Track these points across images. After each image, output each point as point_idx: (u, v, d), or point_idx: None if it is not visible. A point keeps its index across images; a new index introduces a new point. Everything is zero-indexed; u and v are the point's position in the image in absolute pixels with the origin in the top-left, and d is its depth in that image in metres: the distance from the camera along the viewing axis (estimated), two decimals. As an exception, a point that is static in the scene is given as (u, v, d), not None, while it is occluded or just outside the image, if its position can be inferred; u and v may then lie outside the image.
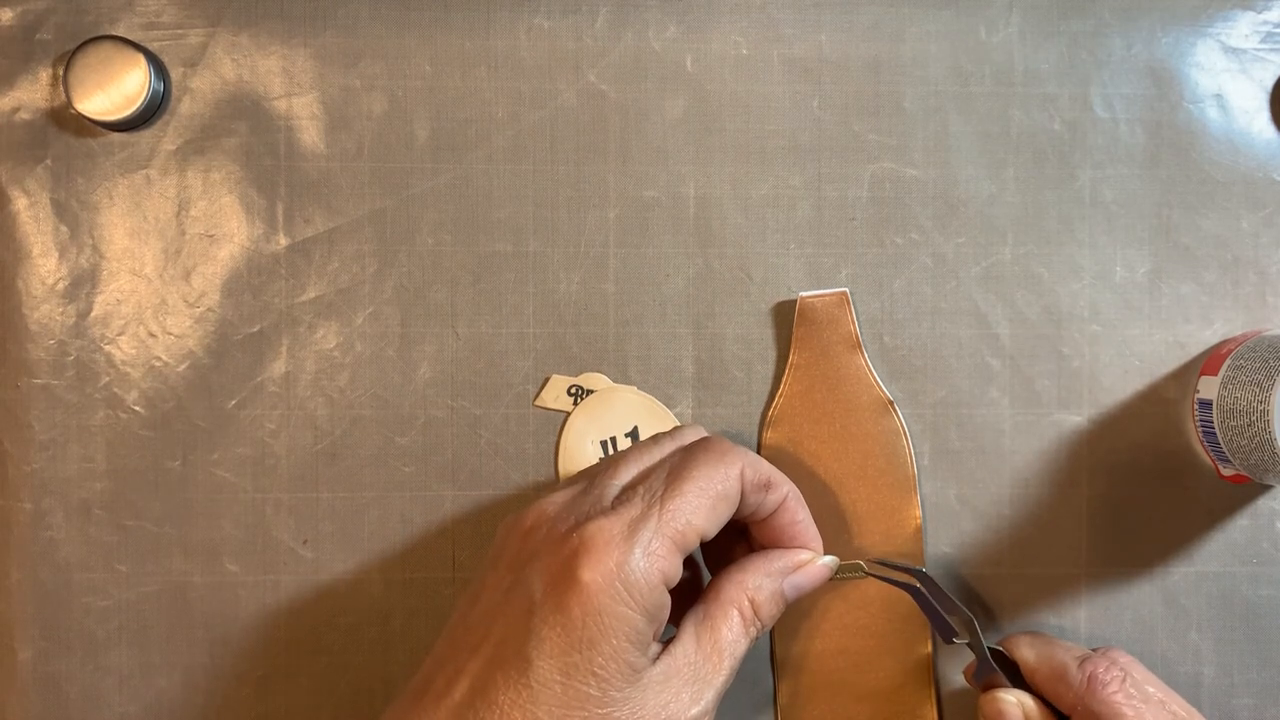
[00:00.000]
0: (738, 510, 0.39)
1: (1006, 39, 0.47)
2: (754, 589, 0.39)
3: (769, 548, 0.42)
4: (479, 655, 0.35)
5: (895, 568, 0.44)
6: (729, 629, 0.38)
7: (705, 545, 0.43)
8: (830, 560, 0.42)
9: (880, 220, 0.47)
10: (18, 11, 0.46)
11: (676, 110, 0.47)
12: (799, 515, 0.41)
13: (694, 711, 0.36)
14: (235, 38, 0.47)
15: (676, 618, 0.39)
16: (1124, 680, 0.41)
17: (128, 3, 0.46)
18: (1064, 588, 0.47)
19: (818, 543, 0.42)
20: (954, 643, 0.43)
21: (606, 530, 0.36)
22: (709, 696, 0.37)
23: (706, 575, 0.45)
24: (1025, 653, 0.43)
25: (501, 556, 0.38)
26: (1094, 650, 0.43)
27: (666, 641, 0.38)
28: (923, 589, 0.43)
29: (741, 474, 0.39)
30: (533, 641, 0.34)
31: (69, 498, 0.46)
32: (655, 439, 0.42)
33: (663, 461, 0.39)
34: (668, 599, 0.37)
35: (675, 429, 0.43)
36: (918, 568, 0.43)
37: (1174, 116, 0.48)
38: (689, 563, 0.40)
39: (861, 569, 0.43)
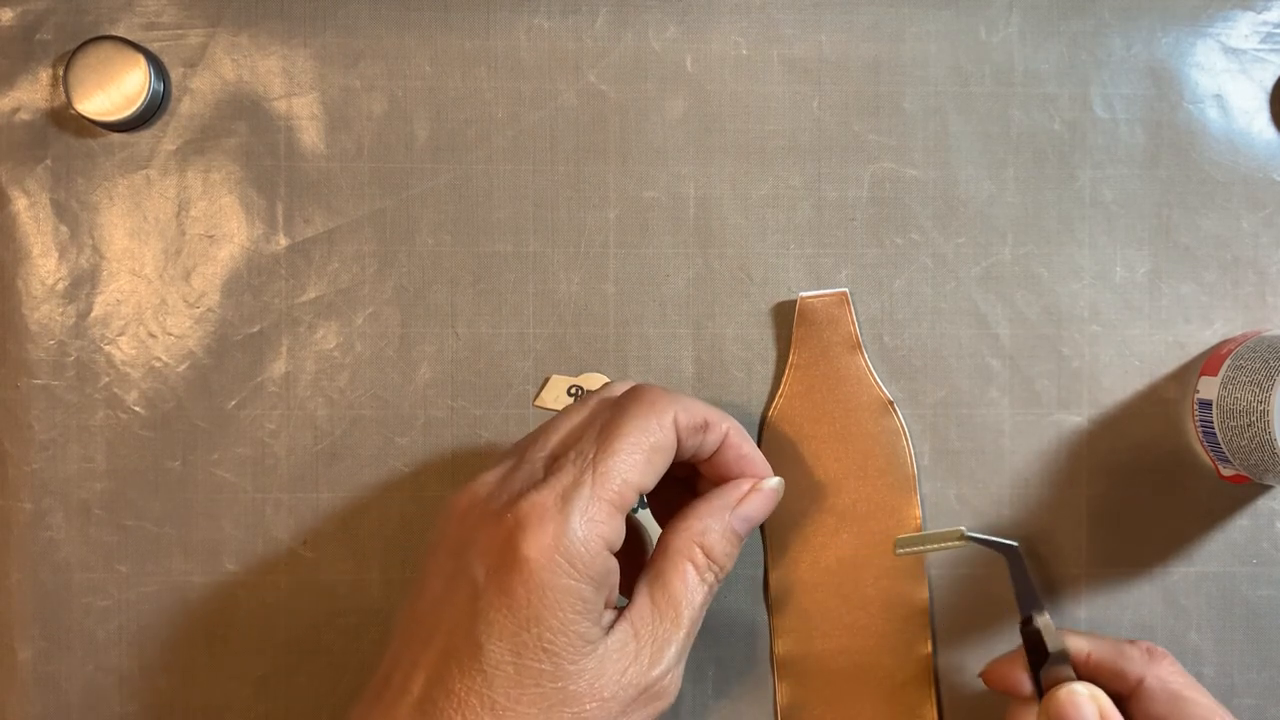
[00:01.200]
0: (679, 454, 0.39)
1: (1006, 39, 0.47)
2: (700, 533, 0.38)
3: (718, 486, 0.41)
4: (431, 647, 0.35)
5: (990, 542, 0.43)
6: (681, 581, 0.37)
7: (653, 505, 0.43)
8: (775, 481, 0.41)
9: (880, 220, 0.47)
10: (18, 11, 0.46)
11: (676, 110, 0.47)
12: (744, 449, 0.40)
13: (655, 672, 0.36)
14: (235, 38, 0.47)
15: (628, 583, 0.38)
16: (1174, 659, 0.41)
17: (128, 3, 0.46)
18: (1064, 588, 0.47)
19: (767, 471, 0.41)
20: (1031, 619, 0.42)
21: (540, 504, 0.35)
22: (670, 654, 0.36)
23: (654, 531, 0.44)
24: (1075, 640, 0.42)
25: (441, 543, 0.37)
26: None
27: (623, 608, 0.37)
28: (1021, 555, 0.42)
29: (675, 421, 0.38)
30: (481, 626, 0.34)
31: (69, 498, 0.46)
32: (583, 399, 0.40)
33: (592, 421, 0.38)
34: (613, 563, 0.36)
35: (603, 385, 0.41)
36: (1012, 542, 0.42)
37: (1174, 116, 0.48)
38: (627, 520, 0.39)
39: (961, 534, 0.42)
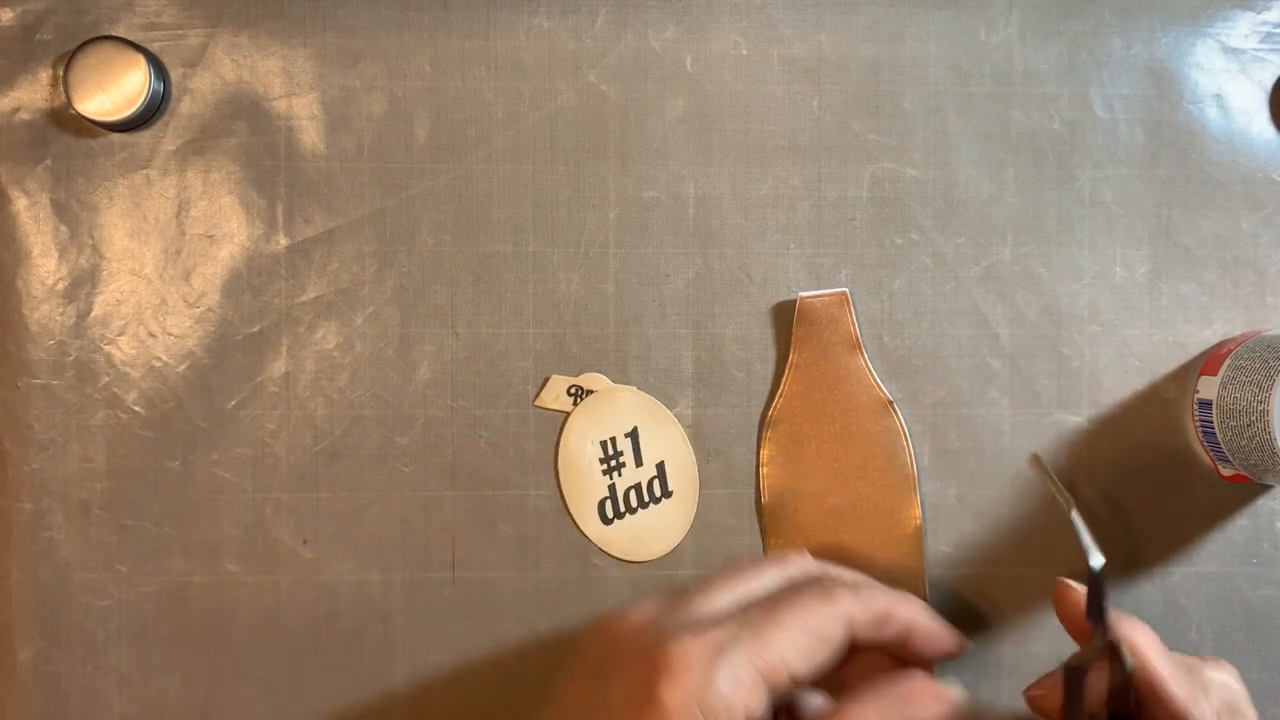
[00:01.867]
0: (860, 636, 0.37)
1: (1006, 39, 0.47)
2: None
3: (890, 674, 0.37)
4: None
5: (1081, 539, 0.38)
6: None
7: None
8: (956, 694, 0.36)
9: (880, 220, 0.47)
10: (18, 11, 0.46)
11: (676, 110, 0.47)
12: (932, 630, 0.38)
13: None
14: (235, 38, 0.47)
15: None
16: None
17: (128, 3, 0.46)
18: (1064, 588, 0.47)
19: (956, 644, 0.39)
20: (1093, 571, 0.36)
21: (691, 651, 0.33)
22: None
23: None
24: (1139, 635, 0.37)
25: (586, 659, 0.36)
26: None
27: None
28: (1078, 515, 0.38)
29: (849, 616, 0.36)
30: None
31: (69, 498, 0.46)
32: (755, 563, 0.39)
33: (765, 589, 0.37)
34: None
35: (779, 556, 0.40)
36: (1098, 559, 0.37)
37: (1174, 116, 0.48)
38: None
39: (1070, 510, 0.37)
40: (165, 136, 0.46)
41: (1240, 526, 0.48)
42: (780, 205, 0.47)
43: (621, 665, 0.34)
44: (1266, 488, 0.47)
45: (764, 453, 0.47)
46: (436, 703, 0.47)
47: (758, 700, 0.34)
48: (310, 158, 0.47)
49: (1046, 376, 0.48)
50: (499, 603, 0.47)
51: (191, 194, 0.47)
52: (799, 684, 0.35)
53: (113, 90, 0.45)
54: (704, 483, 0.47)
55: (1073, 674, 0.35)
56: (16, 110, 0.46)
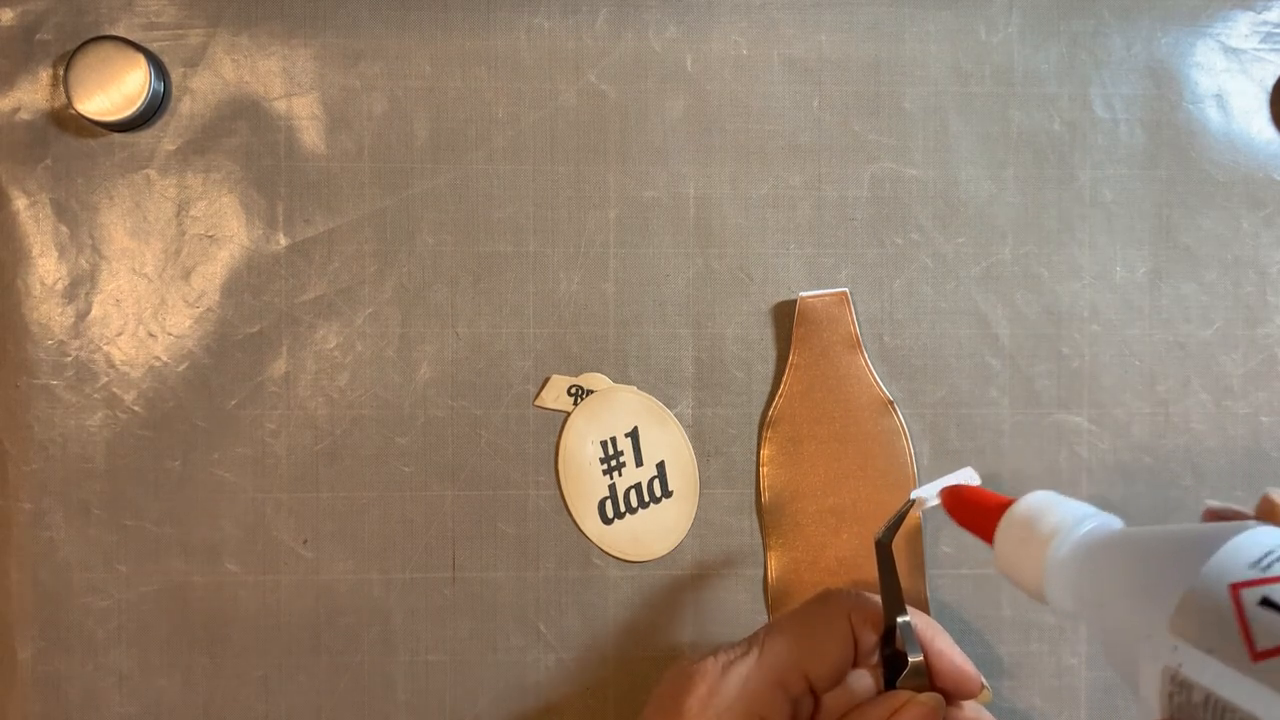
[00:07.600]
0: (862, 650, 0.39)
1: (1006, 39, 0.47)
2: None
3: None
4: None
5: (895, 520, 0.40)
6: None
7: None
8: (929, 698, 0.38)
9: (880, 220, 0.47)
10: (18, 11, 0.46)
11: (676, 110, 0.47)
12: (959, 668, 0.40)
13: None
14: (235, 38, 0.47)
15: None
16: None
17: (128, 3, 0.46)
18: (1064, 588, 0.47)
19: (977, 686, 0.40)
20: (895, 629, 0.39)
21: (708, 668, 0.38)
22: None
23: None
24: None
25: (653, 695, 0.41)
26: None
27: None
28: (889, 553, 0.39)
29: (845, 608, 0.38)
30: None
31: (69, 498, 0.46)
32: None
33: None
34: None
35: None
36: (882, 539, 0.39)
37: (1174, 116, 0.48)
38: None
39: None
40: (165, 136, 0.46)
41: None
42: (780, 205, 0.47)
43: (659, 685, 0.39)
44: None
45: (764, 452, 0.47)
46: (436, 703, 0.47)
47: (767, 703, 0.37)
48: (310, 158, 0.47)
49: (1046, 376, 0.48)
50: (499, 603, 0.47)
51: (191, 194, 0.47)
52: (821, 684, 0.38)
53: (113, 90, 0.45)
54: (704, 483, 0.47)
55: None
56: (16, 110, 0.46)
